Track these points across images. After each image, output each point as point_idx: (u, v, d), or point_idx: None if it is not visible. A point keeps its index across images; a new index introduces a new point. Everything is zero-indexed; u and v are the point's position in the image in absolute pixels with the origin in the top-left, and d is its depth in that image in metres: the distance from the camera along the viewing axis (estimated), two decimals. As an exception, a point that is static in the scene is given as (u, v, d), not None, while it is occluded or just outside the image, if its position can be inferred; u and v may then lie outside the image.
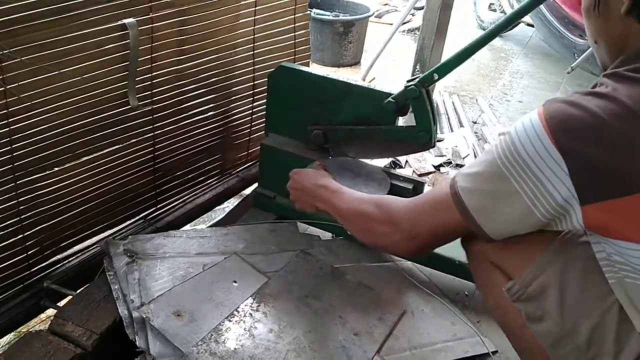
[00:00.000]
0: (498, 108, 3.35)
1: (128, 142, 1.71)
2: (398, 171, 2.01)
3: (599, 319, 0.98)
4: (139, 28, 1.58)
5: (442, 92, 3.40)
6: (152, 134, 1.77)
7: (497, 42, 4.50)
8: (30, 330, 1.57)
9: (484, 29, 4.80)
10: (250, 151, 2.21)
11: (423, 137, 1.66)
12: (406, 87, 1.63)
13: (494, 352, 1.59)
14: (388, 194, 1.67)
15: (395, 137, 1.72)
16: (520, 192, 0.98)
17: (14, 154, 1.44)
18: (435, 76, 1.61)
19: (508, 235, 1.08)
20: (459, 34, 4.21)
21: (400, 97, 1.66)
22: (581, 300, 1.01)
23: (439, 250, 1.77)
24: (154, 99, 1.73)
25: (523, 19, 4.27)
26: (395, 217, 1.21)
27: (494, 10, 4.84)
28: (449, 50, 3.29)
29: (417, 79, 1.63)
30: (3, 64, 1.32)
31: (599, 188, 0.91)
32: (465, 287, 1.79)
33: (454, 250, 1.78)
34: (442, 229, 1.16)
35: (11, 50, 1.31)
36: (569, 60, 3.58)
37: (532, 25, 4.25)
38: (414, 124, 1.67)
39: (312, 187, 1.48)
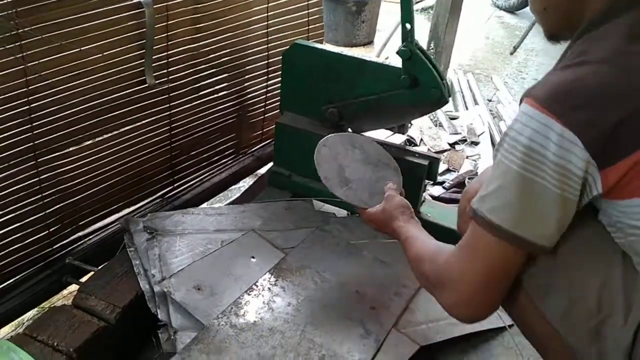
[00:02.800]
0: (513, 86, 3.33)
1: (145, 121, 1.73)
2: (413, 148, 2.02)
3: (607, 280, 0.97)
4: (155, 6, 1.58)
5: (456, 70, 3.39)
6: (168, 112, 1.79)
7: (511, 19, 4.46)
8: (54, 305, 1.60)
9: (497, 7, 4.76)
10: (265, 130, 2.22)
11: (435, 94, 1.66)
12: (397, 52, 1.64)
13: (510, 326, 1.61)
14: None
15: (408, 100, 1.71)
16: (546, 185, 0.93)
17: (35, 132, 1.46)
18: (408, 26, 1.62)
19: (558, 235, 0.98)
20: (473, 11, 4.17)
21: (406, 69, 1.66)
22: (587, 265, 1.00)
23: (454, 225, 1.78)
24: (170, 77, 1.74)
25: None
26: (445, 282, 1.06)
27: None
28: (463, 28, 3.27)
29: (403, 41, 1.63)
30: (23, 42, 1.34)
31: (613, 149, 0.91)
32: (481, 262, 1.79)
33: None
34: (491, 271, 1.00)
35: (31, 28, 1.32)
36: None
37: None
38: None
39: (385, 230, 1.44)
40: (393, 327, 1.49)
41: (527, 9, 4.56)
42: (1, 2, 1.26)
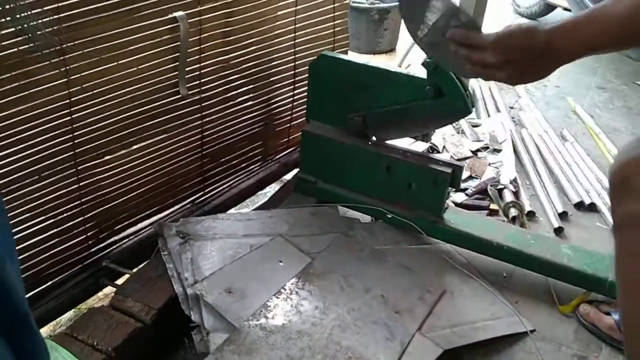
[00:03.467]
0: (535, 93, 3.35)
1: (178, 130, 1.80)
2: (436, 156, 2.06)
3: None
4: (188, 21, 1.65)
5: (478, 79, 3.41)
6: (200, 121, 1.86)
7: (533, 26, 4.47)
8: (91, 306, 1.67)
9: (519, 15, 4.77)
10: (291, 137, 2.28)
11: (458, 104, 1.70)
12: (422, 63, 1.68)
13: (532, 331, 1.64)
14: None
15: (432, 110, 1.77)
16: None
17: (76, 141, 1.53)
18: None
19: None
20: (496, 19, 4.19)
21: (430, 80, 1.70)
22: None
23: (476, 232, 1.83)
24: (202, 88, 1.81)
25: (560, 3, 4.23)
26: None
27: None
28: (485, 36, 3.30)
29: None
30: (66, 56, 1.41)
31: None
32: (503, 268, 1.83)
33: (492, 232, 1.84)
34: None
35: (75, 43, 1.40)
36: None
37: (569, 10, 4.20)
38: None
39: (531, 45, 1.08)
40: (417, 331, 1.53)
41: (551, 15, 4.58)
42: (47, 19, 1.33)
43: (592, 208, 2.27)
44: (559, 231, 2.12)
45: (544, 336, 1.65)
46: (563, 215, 2.20)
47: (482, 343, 1.57)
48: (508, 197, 2.19)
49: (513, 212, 2.13)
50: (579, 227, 2.18)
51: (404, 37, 4.06)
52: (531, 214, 2.19)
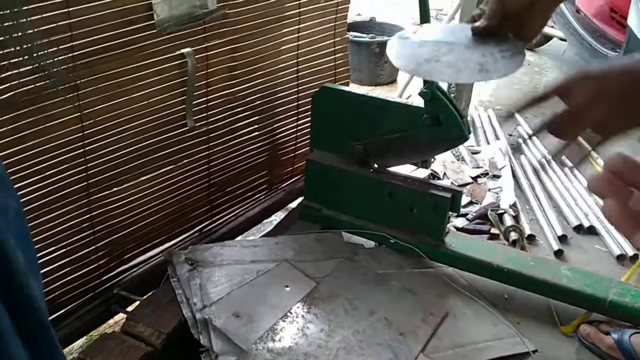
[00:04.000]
0: (533, 120, 3.42)
1: (186, 160, 1.86)
2: (437, 182, 2.12)
3: None
4: (196, 56, 1.74)
5: (477, 107, 3.49)
6: (207, 152, 1.93)
7: (531, 57, 4.57)
8: (103, 333, 1.71)
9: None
10: (295, 166, 2.35)
11: (455, 132, 1.77)
12: (419, 93, 1.76)
13: (534, 351, 1.67)
14: None
15: (430, 138, 1.83)
16: None
17: (88, 172, 1.60)
18: None
19: None
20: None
21: (428, 108, 1.77)
22: None
23: (478, 255, 1.87)
24: (209, 120, 1.88)
25: (556, 34, 4.34)
26: None
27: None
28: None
29: (424, 83, 1.75)
30: (80, 92, 1.49)
31: None
32: (504, 290, 1.87)
33: (492, 255, 1.88)
34: None
35: (88, 79, 1.47)
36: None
37: (565, 40, 4.30)
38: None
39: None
40: (421, 352, 1.57)
41: (547, 46, 4.68)
42: (62, 57, 1.41)
43: (591, 231, 2.31)
44: (559, 254, 2.16)
45: (546, 356, 1.68)
46: (563, 239, 2.25)
47: (485, 363, 1.60)
48: (508, 221, 2.24)
49: (513, 235, 2.17)
50: (578, 249, 2.22)
51: (404, 68, 4.16)
52: (531, 238, 2.23)
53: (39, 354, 0.68)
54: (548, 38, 4.57)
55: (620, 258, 2.18)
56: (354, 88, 2.18)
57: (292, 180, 2.37)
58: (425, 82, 1.75)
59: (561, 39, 4.48)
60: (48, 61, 1.38)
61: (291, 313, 1.62)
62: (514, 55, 0.98)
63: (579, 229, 2.32)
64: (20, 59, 1.33)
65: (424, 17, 1.77)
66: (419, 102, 1.84)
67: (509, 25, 1.01)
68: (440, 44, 1.01)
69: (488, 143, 2.96)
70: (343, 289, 1.75)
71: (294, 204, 2.36)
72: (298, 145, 2.31)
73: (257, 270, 1.77)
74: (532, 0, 0.97)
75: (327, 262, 1.87)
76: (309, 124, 2.14)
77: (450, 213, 1.93)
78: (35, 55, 1.35)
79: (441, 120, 1.77)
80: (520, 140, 3.01)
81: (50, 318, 1.61)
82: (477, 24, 0.99)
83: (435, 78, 1.45)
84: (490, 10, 1.01)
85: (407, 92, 3.70)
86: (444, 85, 1.88)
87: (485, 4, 1.02)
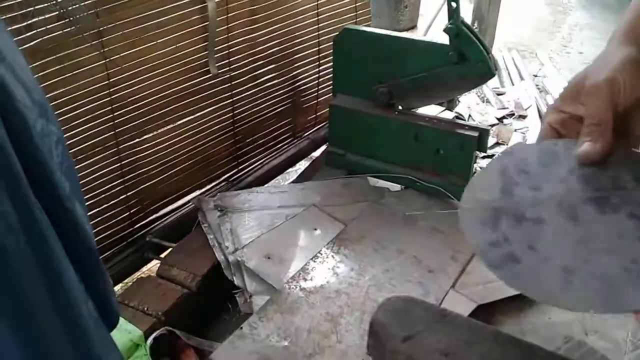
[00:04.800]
0: (558, 60, 3.35)
1: (211, 108, 1.87)
2: (463, 122, 2.09)
3: None
4: (216, 0, 1.71)
5: (501, 48, 3.42)
6: (231, 100, 1.92)
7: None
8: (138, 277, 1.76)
9: None
10: (318, 114, 2.34)
11: (482, 68, 1.74)
12: (444, 30, 1.72)
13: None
14: None
15: (456, 75, 1.81)
16: None
17: (116, 121, 1.61)
18: (453, 4, 1.69)
19: None
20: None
21: (454, 45, 1.74)
22: None
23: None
24: (231, 66, 1.88)
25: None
26: None
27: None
28: (506, 6, 3.31)
29: (449, 19, 1.71)
30: (104, 39, 1.49)
31: None
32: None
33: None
34: None
35: (110, 25, 1.47)
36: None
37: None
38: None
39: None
40: (451, 288, 1.58)
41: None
42: (86, 3, 1.40)
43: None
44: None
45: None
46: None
47: (514, 297, 1.61)
48: (535, 160, 2.22)
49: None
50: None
51: (425, 13, 4.08)
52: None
53: (88, 276, 0.69)
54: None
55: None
56: (377, 29, 2.14)
57: (315, 129, 2.37)
58: (450, 17, 1.71)
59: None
60: (73, 7, 1.37)
61: (321, 254, 1.64)
62: None
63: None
64: (46, 4, 1.33)
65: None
66: (444, 40, 1.80)
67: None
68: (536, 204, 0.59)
69: (513, 84, 2.92)
70: (371, 230, 1.76)
71: (317, 153, 2.36)
72: (320, 92, 2.29)
73: (286, 215, 1.78)
74: None
75: (354, 206, 1.88)
76: (330, 70, 2.12)
77: (477, 153, 1.92)
78: (59, 0, 1.35)
79: (467, 57, 1.74)
80: (546, 80, 2.96)
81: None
82: (584, 148, 0.61)
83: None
84: (597, 120, 0.61)
85: (429, 37, 3.63)
86: (468, 21, 1.84)
87: (559, 101, 0.66)
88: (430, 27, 3.59)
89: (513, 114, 2.53)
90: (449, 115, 2.38)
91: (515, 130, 2.41)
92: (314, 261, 1.61)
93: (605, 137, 0.61)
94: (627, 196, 0.57)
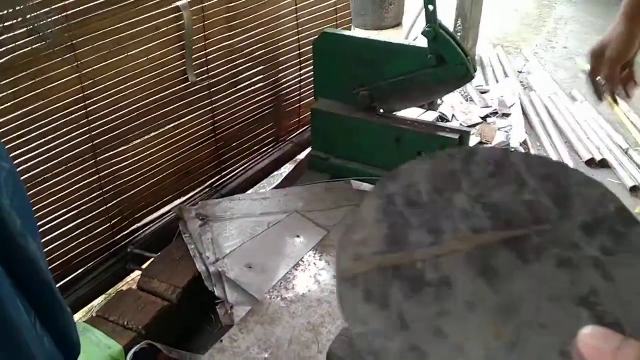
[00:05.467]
0: (544, 56, 3.34)
1: (191, 116, 1.85)
2: (444, 124, 2.09)
3: None
4: (191, 9, 1.70)
5: (486, 46, 3.41)
6: (211, 107, 1.91)
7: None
8: (119, 290, 1.75)
9: None
10: (301, 117, 2.33)
11: (461, 70, 1.74)
12: (422, 33, 1.71)
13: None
14: None
15: (436, 78, 1.80)
16: None
17: (93, 134, 1.60)
18: (430, 7, 1.69)
19: None
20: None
21: (432, 48, 1.73)
22: None
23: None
24: (210, 74, 1.86)
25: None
26: None
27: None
28: (489, 4, 3.30)
29: (427, 22, 1.70)
30: (77, 52, 1.47)
31: None
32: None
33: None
34: None
35: (84, 38, 1.46)
36: (615, 2, 3.51)
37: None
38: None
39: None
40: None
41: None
42: (56, 18, 1.39)
43: (604, 164, 2.28)
44: (571, 189, 2.14)
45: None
46: (575, 174, 2.22)
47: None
48: (519, 159, 2.21)
49: (525, 173, 2.15)
50: (591, 184, 2.19)
51: (410, 11, 4.07)
52: (543, 175, 2.21)
53: (45, 312, 0.68)
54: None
55: (634, 190, 2.16)
56: (356, 32, 2.12)
57: (299, 132, 2.36)
58: (427, 20, 1.70)
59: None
60: (42, 22, 1.36)
61: (303, 262, 1.63)
62: None
63: (590, 163, 2.30)
64: (14, 21, 1.32)
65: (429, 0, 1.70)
66: (424, 43, 1.80)
67: None
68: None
69: (497, 82, 2.91)
70: (354, 235, 1.76)
71: (302, 156, 2.35)
72: (303, 95, 2.28)
73: (268, 222, 1.78)
74: None
75: (338, 211, 1.87)
76: (312, 73, 2.11)
77: (459, 154, 1.91)
78: (28, 17, 1.33)
79: (446, 60, 1.73)
80: (531, 77, 2.96)
81: (68, 279, 1.66)
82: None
83: None
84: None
85: (413, 34, 3.62)
86: (450, 23, 1.83)
87: None
88: (415, 24, 3.58)
89: (497, 113, 2.53)
90: (432, 115, 2.37)
91: (499, 129, 2.41)
92: (296, 269, 1.61)
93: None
94: (551, 233, 0.42)
